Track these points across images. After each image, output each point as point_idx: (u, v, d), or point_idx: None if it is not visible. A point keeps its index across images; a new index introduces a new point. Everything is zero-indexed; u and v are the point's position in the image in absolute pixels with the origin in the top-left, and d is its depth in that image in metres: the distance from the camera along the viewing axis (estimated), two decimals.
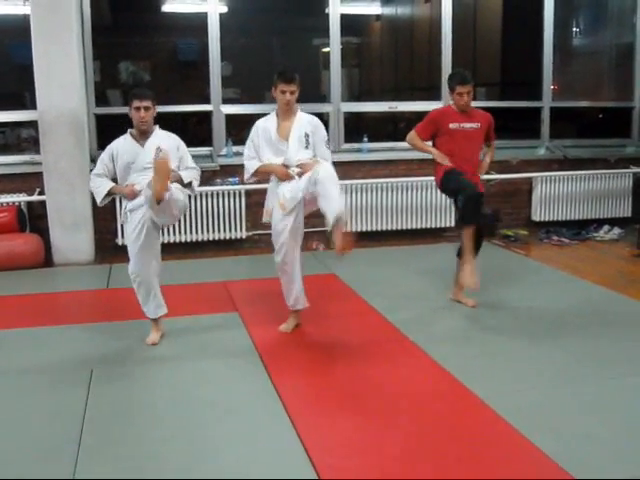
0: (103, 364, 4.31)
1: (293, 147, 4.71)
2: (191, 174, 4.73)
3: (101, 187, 4.68)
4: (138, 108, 4.54)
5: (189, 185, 4.72)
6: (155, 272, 4.62)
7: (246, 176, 4.93)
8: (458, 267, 5.35)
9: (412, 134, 5.32)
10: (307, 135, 4.74)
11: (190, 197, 4.84)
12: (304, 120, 4.79)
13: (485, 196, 5.31)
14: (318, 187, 4.32)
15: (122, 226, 7.10)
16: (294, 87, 4.67)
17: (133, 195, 4.53)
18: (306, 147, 4.73)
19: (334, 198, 4.28)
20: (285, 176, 4.65)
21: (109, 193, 4.69)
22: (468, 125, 5.20)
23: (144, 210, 4.40)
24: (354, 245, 4.36)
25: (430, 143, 5.35)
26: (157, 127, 4.73)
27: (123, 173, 4.65)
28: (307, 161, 4.66)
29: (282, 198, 4.61)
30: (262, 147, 4.78)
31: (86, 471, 3.06)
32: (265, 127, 4.80)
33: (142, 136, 4.64)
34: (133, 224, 4.51)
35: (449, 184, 5.17)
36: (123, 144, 4.66)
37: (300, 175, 4.59)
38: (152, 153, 4.56)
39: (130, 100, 4.59)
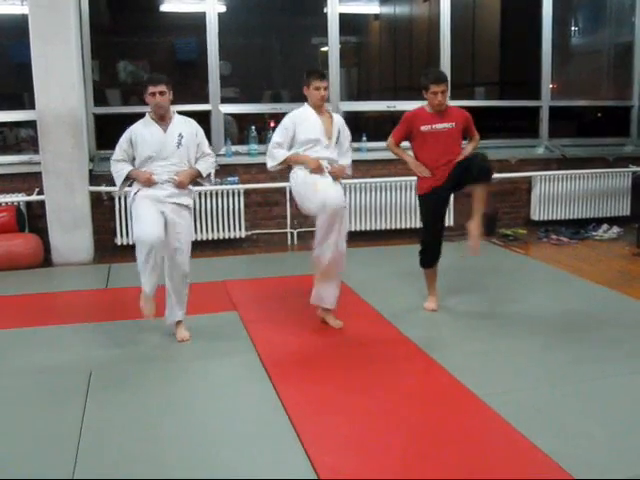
0: (102, 364, 4.30)
1: (332, 143, 4.86)
2: (208, 164, 4.77)
3: (121, 171, 4.64)
4: (153, 94, 4.54)
5: (207, 177, 4.76)
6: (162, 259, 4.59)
7: (272, 164, 4.91)
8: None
9: (389, 140, 5.23)
10: (339, 132, 4.91)
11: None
12: (336, 118, 4.98)
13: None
14: (330, 259, 4.60)
15: (121, 226, 7.12)
16: (327, 83, 4.90)
17: (148, 183, 4.52)
18: (336, 143, 4.90)
19: (335, 289, 4.81)
20: (318, 168, 4.72)
21: (127, 177, 4.65)
22: (441, 126, 5.02)
23: (160, 208, 4.49)
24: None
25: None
26: (175, 112, 4.73)
27: (144, 159, 4.60)
28: (337, 165, 4.86)
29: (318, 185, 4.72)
30: (302, 136, 4.81)
31: (85, 471, 3.06)
32: (305, 119, 4.85)
33: (162, 121, 4.63)
34: (147, 203, 4.50)
35: (421, 212, 5.24)
36: (144, 129, 4.62)
37: (330, 172, 4.78)
38: (175, 140, 4.59)
39: (145, 87, 4.58)
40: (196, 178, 4.73)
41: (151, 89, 4.54)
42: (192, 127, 4.73)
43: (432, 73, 5.13)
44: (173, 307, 4.73)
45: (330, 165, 4.81)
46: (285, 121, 4.88)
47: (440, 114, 5.03)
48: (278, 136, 4.87)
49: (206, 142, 4.82)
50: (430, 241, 5.13)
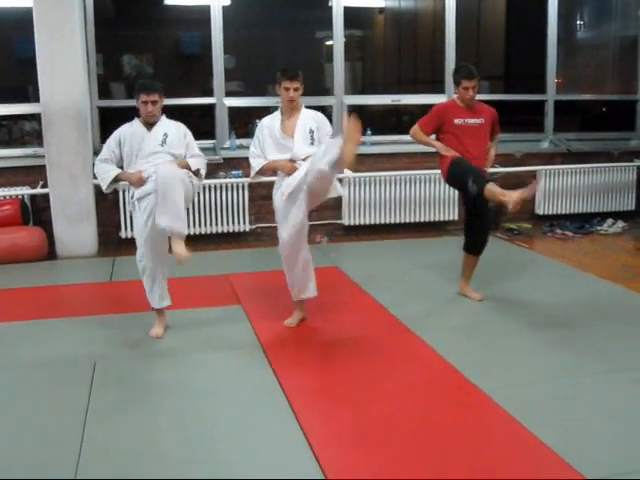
0: (106, 357, 4.31)
1: (298, 143, 4.71)
2: (198, 162, 4.73)
3: (107, 173, 4.63)
4: (145, 102, 4.52)
5: (197, 173, 4.72)
6: (162, 261, 4.60)
7: (251, 174, 4.93)
8: (464, 261, 5.35)
9: (415, 128, 5.25)
10: (312, 131, 4.75)
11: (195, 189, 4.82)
12: (308, 116, 4.81)
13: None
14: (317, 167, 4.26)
15: (125, 219, 7.12)
16: (297, 84, 4.68)
17: (140, 182, 4.49)
18: (311, 143, 4.73)
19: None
20: (292, 170, 4.64)
21: (115, 180, 4.64)
22: (472, 121, 5.12)
23: (152, 199, 4.38)
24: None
25: (433, 137, 5.32)
26: (164, 116, 4.71)
27: (129, 159, 4.61)
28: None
29: (284, 187, 4.62)
30: (267, 145, 4.78)
31: (89, 464, 3.06)
32: (270, 125, 4.80)
33: (149, 125, 4.63)
34: (141, 212, 4.48)
35: (457, 170, 5.02)
36: (130, 129, 4.64)
37: None
38: (159, 138, 4.57)
39: (137, 93, 4.56)
40: (184, 168, 4.61)
41: (143, 97, 4.53)
42: (180, 130, 4.71)
43: (464, 68, 5.19)
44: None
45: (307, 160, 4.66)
46: (256, 130, 4.87)
47: (471, 109, 5.12)
48: (252, 146, 4.87)
49: (195, 144, 4.78)
50: (479, 171, 4.96)
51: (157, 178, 4.27)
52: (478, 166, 5.04)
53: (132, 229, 7.07)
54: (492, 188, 4.74)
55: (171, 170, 4.34)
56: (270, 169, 4.85)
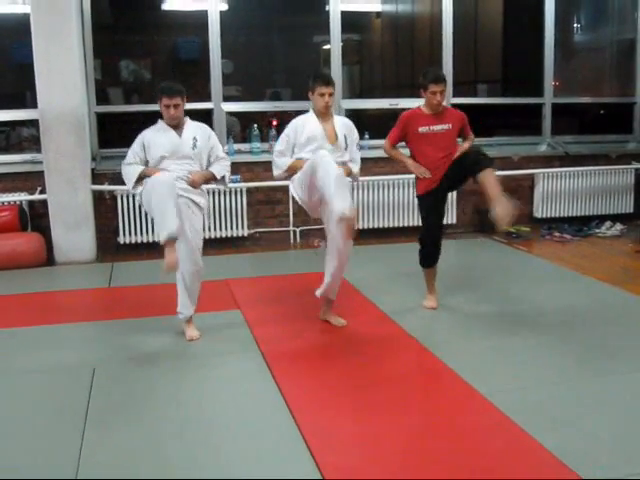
0: (105, 362, 4.31)
1: (337, 150, 4.77)
2: (222, 167, 4.75)
3: (133, 172, 4.59)
4: (168, 106, 4.51)
5: (222, 179, 4.74)
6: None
7: (277, 172, 4.87)
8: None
9: (385, 143, 5.20)
10: (345, 137, 4.82)
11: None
12: (341, 123, 4.89)
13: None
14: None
15: (124, 225, 7.13)
16: (332, 89, 4.75)
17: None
18: (345, 149, 4.82)
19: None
20: None
21: (140, 177, 4.58)
22: (438, 127, 4.99)
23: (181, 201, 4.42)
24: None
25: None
26: (188, 118, 4.71)
27: (157, 161, 4.57)
28: (346, 166, 4.79)
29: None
30: (299, 145, 4.77)
31: (88, 469, 3.06)
32: (306, 126, 4.78)
33: (175, 128, 4.61)
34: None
35: (420, 212, 5.21)
36: (158, 134, 4.60)
37: None
38: (190, 143, 4.59)
39: (159, 95, 4.52)
40: (209, 180, 4.72)
41: (166, 101, 4.50)
42: (205, 132, 4.73)
43: (431, 72, 5.06)
44: (186, 302, 4.69)
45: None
46: (287, 129, 4.85)
47: (437, 115, 5.01)
48: (280, 144, 4.84)
49: (219, 146, 4.81)
50: (430, 240, 5.11)
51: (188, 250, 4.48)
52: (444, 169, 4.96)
53: (130, 234, 7.13)
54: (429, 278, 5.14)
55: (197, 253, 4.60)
56: (298, 168, 4.75)
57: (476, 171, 4.77)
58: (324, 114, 4.80)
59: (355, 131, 4.96)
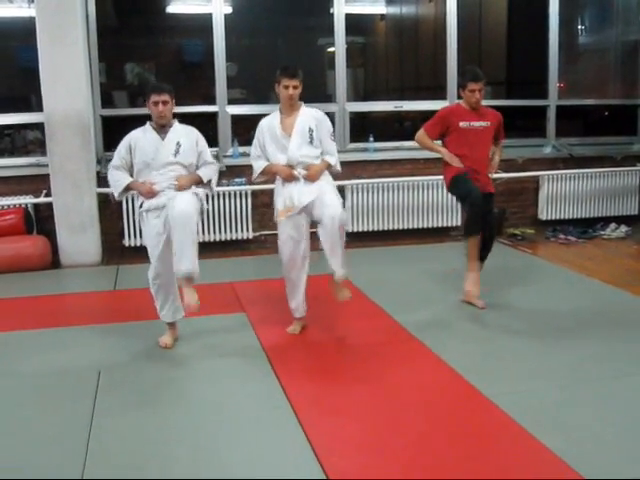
0: (110, 365, 4.32)
1: (295, 142, 4.66)
2: (210, 172, 4.67)
3: (119, 182, 4.57)
4: (156, 102, 4.48)
5: (208, 184, 4.68)
6: (175, 276, 4.49)
7: (254, 176, 4.89)
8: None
9: (421, 133, 5.25)
10: (311, 130, 4.68)
11: (207, 196, 4.81)
12: (308, 114, 4.75)
13: (496, 195, 5.30)
14: (326, 232, 4.44)
15: (129, 227, 7.13)
16: (297, 82, 4.64)
17: (151, 194, 4.45)
18: (310, 142, 4.68)
19: (339, 255, 4.50)
20: (289, 177, 4.63)
21: (127, 188, 4.59)
22: (478, 124, 5.13)
23: (163, 216, 4.37)
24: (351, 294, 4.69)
25: (440, 142, 5.31)
26: (176, 121, 4.67)
27: (141, 167, 4.54)
28: (313, 163, 4.65)
29: (287, 202, 4.62)
30: (267, 144, 4.73)
31: (94, 471, 3.07)
32: (270, 124, 4.76)
33: (162, 129, 4.57)
34: (153, 229, 4.44)
35: (457, 188, 5.16)
36: (143, 136, 4.57)
37: (305, 178, 4.61)
38: (172, 148, 4.52)
39: (148, 94, 4.53)
40: (198, 183, 4.62)
41: (154, 98, 4.49)
42: (192, 136, 4.65)
43: (470, 71, 5.22)
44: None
45: (305, 169, 4.65)
46: (256, 131, 4.82)
47: (477, 112, 5.11)
48: (253, 148, 4.82)
49: (208, 151, 4.73)
50: (480, 195, 4.99)
51: (174, 217, 4.25)
52: (482, 172, 5.04)
53: (135, 237, 7.13)
54: (470, 251, 5.19)
55: (187, 207, 4.31)
56: (270, 172, 4.79)
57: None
58: (288, 107, 4.71)
59: (327, 122, 4.80)
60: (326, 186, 4.64)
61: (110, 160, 7.07)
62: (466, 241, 5.22)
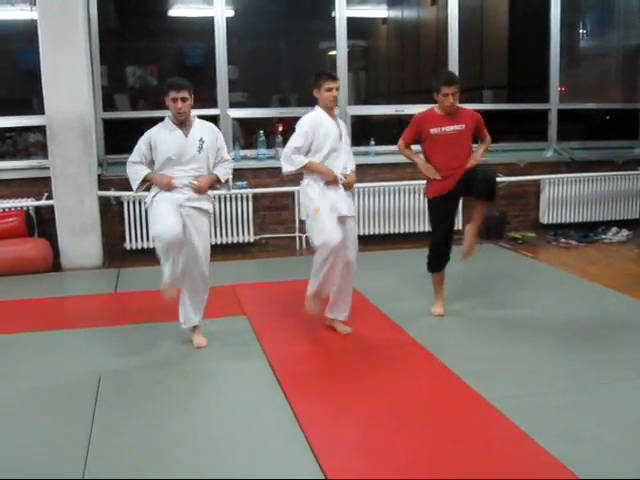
0: (111, 368, 4.32)
1: (348, 155, 4.83)
2: (226, 170, 4.72)
3: (137, 174, 4.57)
4: (175, 99, 4.46)
5: (226, 183, 4.73)
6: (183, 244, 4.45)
7: (289, 169, 4.71)
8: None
9: (399, 143, 5.22)
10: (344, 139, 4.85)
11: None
12: (340, 121, 4.89)
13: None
14: (342, 272, 4.67)
15: (130, 230, 7.14)
16: (339, 83, 4.77)
17: (169, 187, 4.47)
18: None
19: (348, 303, 4.88)
20: (334, 180, 4.66)
21: (144, 180, 4.58)
22: (450, 128, 5.00)
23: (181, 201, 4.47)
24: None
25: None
26: (196, 116, 4.68)
27: (161, 163, 4.54)
28: (349, 176, 4.78)
29: (335, 205, 4.66)
30: (321, 141, 4.69)
31: (94, 474, 3.07)
32: (322, 122, 4.71)
33: (181, 126, 4.57)
34: (165, 202, 4.45)
35: (430, 215, 5.25)
36: (163, 132, 4.56)
37: (343, 185, 4.72)
38: (196, 144, 4.54)
39: (166, 91, 4.50)
40: (215, 184, 4.69)
41: (173, 94, 4.47)
42: (213, 132, 4.69)
43: (443, 75, 5.16)
44: (189, 312, 4.69)
45: (344, 177, 4.72)
46: (305, 127, 4.69)
47: (450, 116, 5.02)
48: (297, 141, 4.68)
49: (225, 147, 4.78)
50: (439, 244, 5.12)
51: (195, 254, 4.53)
52: (459, 172, 4.99)
53: (136, 240, 7.14)
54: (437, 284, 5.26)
55: (206, 247, 4.62)
56: (311, 170, 4.70)
57: (478, 197, 5.01)
58: (331, 109, 4.77)
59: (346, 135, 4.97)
60: (353, 210, 4.82)
61: (112, 163, 7.14)
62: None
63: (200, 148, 4.55)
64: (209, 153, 4.62)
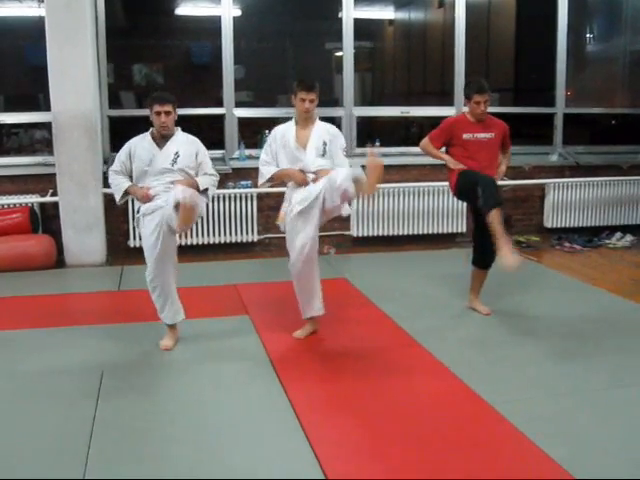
0: (114, 366, 4.32)
1: (310, 155, 4.71)
2: (208, 181, 4.70)
3: (119, 186, 4.65)
4: (159, 113, 4.52)
5: (205, 192, 4.69)
6: (173, 277, 4.56)
7: (261, 181, 4.87)
8: (473, 275, 5.33)
9: (425, 141, 5.26)
10: (325, 143, 4.74)
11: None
12: (323, 128, 4.80)
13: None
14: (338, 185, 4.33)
15: (134, 228, 7.14)
16: (313, 96, 4.67)
17: (146, 199, 4.50)
18: (322, 155, 4.73)
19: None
20: (302, 181, 4.65)
21: (126, 192, 4.66)
22: (482, 135, 5.10)
23: (159, 216, 4.35)
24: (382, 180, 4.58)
25: (444, 150, 5.31)
26: (179, 130, 4.70)
27: (138, 174, 4.62)
28: (324, 169, 4.66)
29: (293, 203, 4.62)
30: (279, 153, 4.77)
31: (96, 471, 3.07)
32: (284, 134, 4.78)
33: (162, 139, 4.61)
34: (149, 230, 4.43)
35: (465, 179, 5.04)
36: (141, 144, 4.62)
37: (315, 181, 4.61)
38: (170, 157, 4.55)
39: (150, 104, 4.56)
40: (194, 188, 4.60)
41: (157, 108, 4.52)
42: (193, 147, 4.68)
43: (475, 83, 5.18)
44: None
45: (317, 172, 4.67)
46: (269, 138, 4.86)
47: (481, 123, 5.09)
48: (264, 153, 4.83)
49: (209, 163, 4.76)
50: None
51: (178, 199, 4.21)
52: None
53: (140, 238, 7.12)
54: (496, 224, 4.72)
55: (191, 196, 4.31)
56: (280, 177, 4.82)
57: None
58: (304, 120, 4.75)
59: (341, 139, 4.85)
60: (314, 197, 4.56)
61: None
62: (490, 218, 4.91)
63: (174, 162, 4.56)
64: (186, 168, 4.61)
